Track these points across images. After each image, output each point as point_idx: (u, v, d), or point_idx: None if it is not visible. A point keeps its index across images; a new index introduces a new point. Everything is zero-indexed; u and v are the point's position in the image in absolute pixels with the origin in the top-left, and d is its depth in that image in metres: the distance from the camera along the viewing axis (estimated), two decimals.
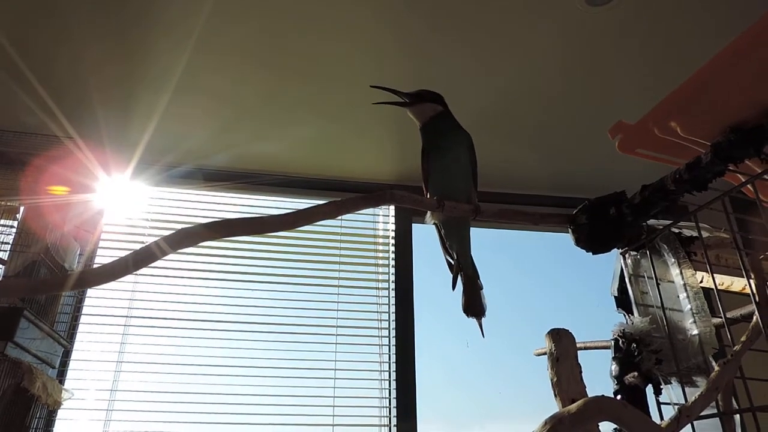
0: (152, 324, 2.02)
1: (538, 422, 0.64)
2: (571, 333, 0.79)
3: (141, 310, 2.04)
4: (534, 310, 2.39)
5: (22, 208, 2.04)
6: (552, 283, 2.52)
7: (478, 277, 1.07)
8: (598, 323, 2.18)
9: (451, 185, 1.04)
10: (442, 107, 1.10)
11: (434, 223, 1.08)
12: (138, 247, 0.69)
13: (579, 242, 0.91)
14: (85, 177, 2.00)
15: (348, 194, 2.30)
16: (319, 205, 0.74)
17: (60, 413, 1.84)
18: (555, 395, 0.77)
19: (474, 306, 1.05)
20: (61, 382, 1.87)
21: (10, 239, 1.89)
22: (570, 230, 0.92)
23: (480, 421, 2.16)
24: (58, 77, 1.85)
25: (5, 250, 1.87)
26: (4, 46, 1.72)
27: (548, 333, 0.79)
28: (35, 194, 1.86)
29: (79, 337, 1.99)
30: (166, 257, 0.79)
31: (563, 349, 0.77)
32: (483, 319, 1.04)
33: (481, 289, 1.07)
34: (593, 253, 0.93)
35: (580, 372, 0.77)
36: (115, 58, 1.77)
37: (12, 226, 2.00)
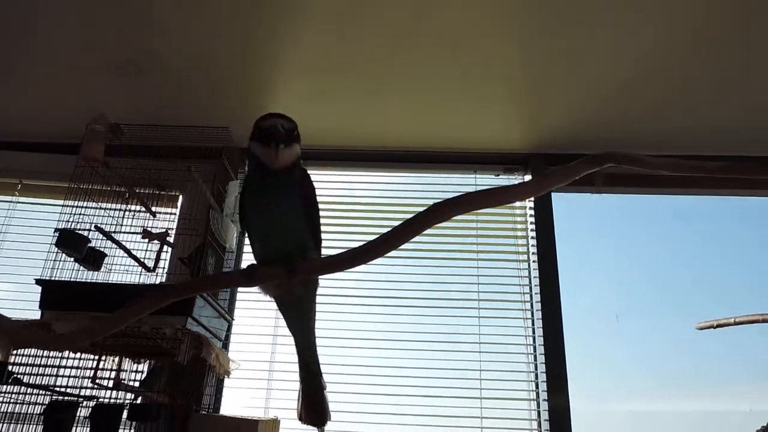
0: None
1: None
2: None
3: None
4: (688, 284, 2.19)
5: (180, 197, 2.23)
6: (704, 255, 2.29)
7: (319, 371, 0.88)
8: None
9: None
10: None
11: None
12: None
13: None
14: (236, 164, 2.13)
15: (483, 166, 2.24)
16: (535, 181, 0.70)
17: (226, 382, 2.00)
18: None
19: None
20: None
21: (174, 225, 2.07)
22: None
23: (624, 399, 2.04)
24: (214, 70, 1.95)
25: (171, 236, 2.05)
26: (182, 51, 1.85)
27: None
28: (194, 182, 2.00)
29: (237, 312, 2.15)
30: None
31: None
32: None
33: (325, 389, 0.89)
34: None
35: None
36: (264, 43, 1.81)
37: (174, 213, 2.19)
